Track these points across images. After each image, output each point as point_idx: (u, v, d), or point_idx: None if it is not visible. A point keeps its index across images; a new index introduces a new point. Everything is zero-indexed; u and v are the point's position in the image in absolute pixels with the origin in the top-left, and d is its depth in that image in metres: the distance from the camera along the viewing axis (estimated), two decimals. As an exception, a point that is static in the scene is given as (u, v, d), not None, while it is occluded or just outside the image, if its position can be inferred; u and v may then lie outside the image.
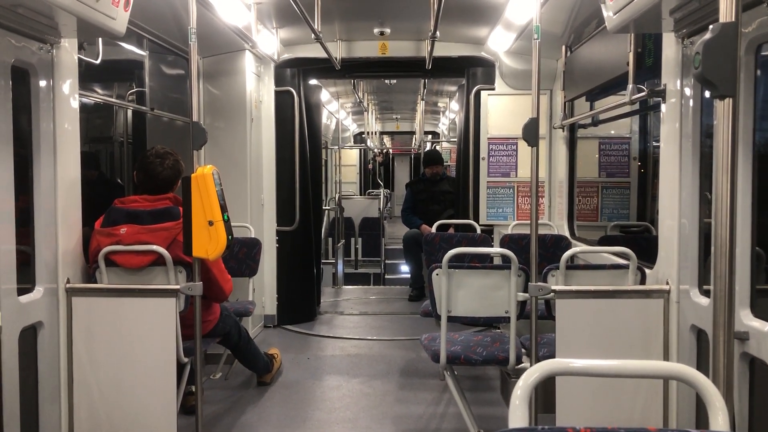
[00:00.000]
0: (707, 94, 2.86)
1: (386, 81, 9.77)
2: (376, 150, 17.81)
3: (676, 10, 2.77)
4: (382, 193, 12.91)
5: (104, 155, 5.33)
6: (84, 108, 4.26)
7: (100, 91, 4.80)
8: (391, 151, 22.95)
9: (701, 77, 1.59)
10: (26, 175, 3.13)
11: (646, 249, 3.72)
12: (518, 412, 1.23)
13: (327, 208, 10.42)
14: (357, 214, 11.99)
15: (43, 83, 3.13)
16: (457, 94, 9.11)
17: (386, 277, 11.28)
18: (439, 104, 12.76)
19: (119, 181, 5.10)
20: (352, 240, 11.78)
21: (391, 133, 19.74)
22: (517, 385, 1.29)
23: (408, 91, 11.28)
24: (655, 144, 5.20)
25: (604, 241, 5.30)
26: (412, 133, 18.80)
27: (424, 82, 9.34)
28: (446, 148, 15.07)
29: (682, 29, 2.96)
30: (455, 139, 12.08)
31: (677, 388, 3.17)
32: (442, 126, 15.73)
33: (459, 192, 7.28)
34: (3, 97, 2.84)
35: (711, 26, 1.60)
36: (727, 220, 1.61)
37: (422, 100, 11.35)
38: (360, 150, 17.10)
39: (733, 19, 1.57)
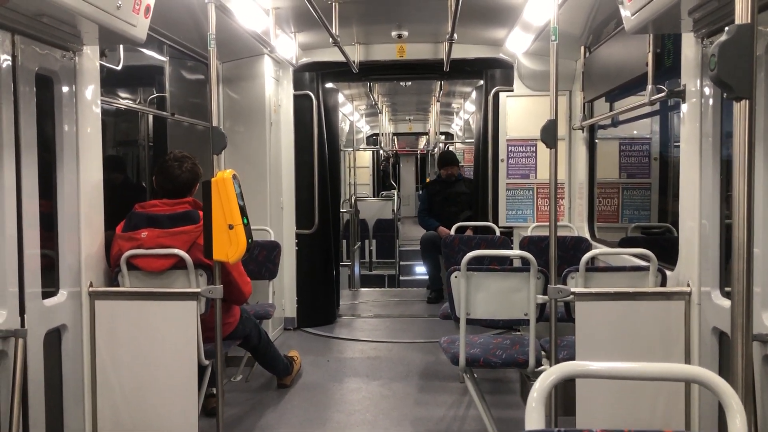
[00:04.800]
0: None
1: (401, 83, 9.79)
2: (387, 151, 17.80)
3: (695, 11, 2.75)
4: (395, 195, 12.92)
5: (127, 159, 5.40)
6: (107, 113, 4.33)
7: (122, 96, 4.87)
8: (397, 151, 22.73)
9: (717, 79, 1.58)
10: (50, 180, 3.18)
11: (667, 250, 3.69)
12: (534, 413, 1.23)
13: (342, 210, 10.46)
14: (371, 215, 12.01)
15: (66, 90, 3.19)
16: (473, 95, 9.09)
17: (401, 278, 11.29)
18: (453, 105, 12.75)
19: (144, 184, 5.17)
20: (366, 242, 11.80)
21: (404, 134, 19.71)
22: (533, 387, 1.29)
23: (422, 92, 11.29)
24: (675, 144, 5.15)
25: (625, 242, 5.26)
26: (421, 134, 18.76)
27: (440, 83, 9.33)
28: (460, 148, 15.03)
29: (702, 29, 2.93)
30: (470, 140, 12.05)
31: (699, 391, 3.14)
32: (455, 127, 15.71)
33: (475, 193, 7.27)
34: (27, 104, 2.90)
35: (727, 28, 1.59)
36: (745, 221, 1.60)
37: (438, 101, 11.33)
38: (373, 152, 17.15)
39: (749, 21, 1.55)
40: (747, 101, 1.56)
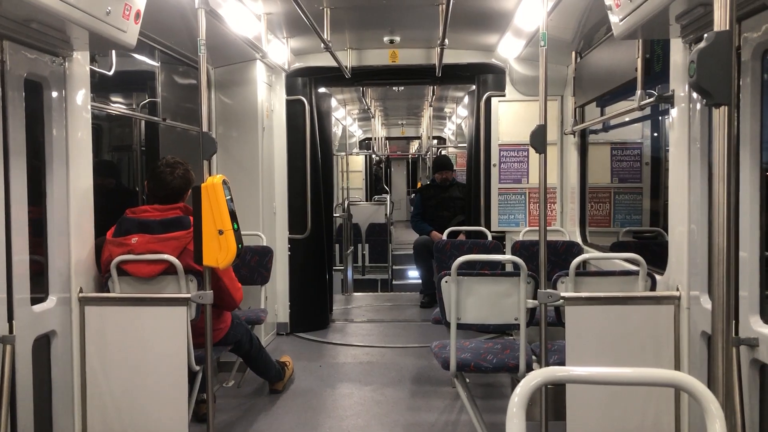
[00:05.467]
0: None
1: (394, 88, 9.81)
2: (379, 155, 17.83)
3: (682, 17, 2.77)
4: (388, 199, 12.92)
5: (118, 165, 5.40)
6: (98, 118, 4.33)
7: (114, 101, 4.87)
8: (389, 155, 22.67)
9: (696, 86, 1.59)
10: (40, 186, 3.17)
11: (658, 254, 3.70)
12: (515, 419, 1.23)
13: (335, 215, 10.47)
14: (363, 220, 12.02)
15: (55, 95, 3.18)
16: (466, 100, 9.10)
17: (394, 282, 11.30)
18: (446, 109, 12.78)
19: (137, 189, 5.16)
20: (359, 246, 11.81)
21: (396, 139, 19.73)
22: (514, 392, 1.29)
23: (414, 97, 11.31)
24: (667, 149, 5.17)
25: (616, 247, 5.27)
26: (413, 138, 18.76)
27: (433, 88, 9.34)
28: (452, 153, 15.06)
29: (689, 35, 2.95)
30: (462, 145, 12.06)
31: (689, 397, 3.14)
32: (448, 131, 15.74)
33: (469, 198, 7.28)
34: (16, 110, 2.89)
35: (705, 35, 1.60)
36: (725, 226, 1.60)
37: (430, 106, 11.35)
38: (366, 156, 17.17)
39: (728, 28, 1.56)
40: (725, 107, 1.57)
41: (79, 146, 3.35)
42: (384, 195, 14.68)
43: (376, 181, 19.19)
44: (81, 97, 3.34)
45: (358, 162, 17.05)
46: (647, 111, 4.63)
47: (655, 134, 5.66)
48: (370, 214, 12.23)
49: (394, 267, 11.61)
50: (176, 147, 5.38)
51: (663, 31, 3.04)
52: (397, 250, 12.05)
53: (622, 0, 2.87)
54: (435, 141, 16.24)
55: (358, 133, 16.29)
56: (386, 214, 12.04)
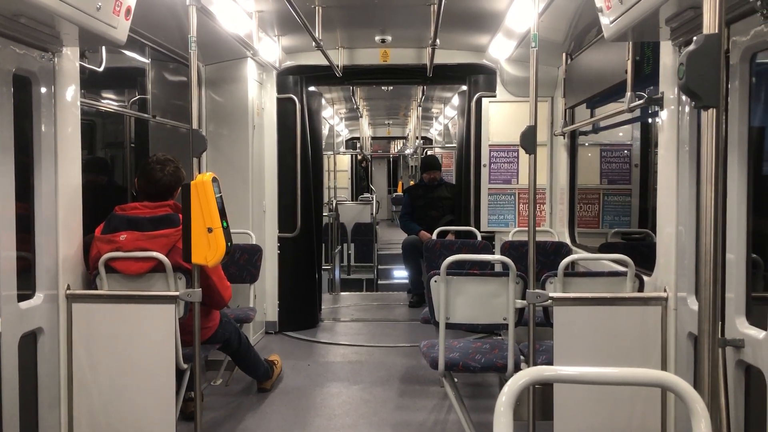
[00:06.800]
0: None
1: (383, 87, 9.80)
2: (366, 155, 17.82)
3: (672, 20, 2.79)
4: (374, 199, 12.91)
5: (108, 161, 5.36)
6: (88, 114, 4.30)
7: (104, 98, 4.84)
8: (372, 155, 22.59)
9: (685, 88, 1.60)
10: (28, 182, 3.15)
11: (646, 256, 3.72)
12: (502, 418, 1.23)
13: (324, 214, 10.48)
14: (349, 219, 12.01)
15: (44, 91, 3.16)
16: (454, 100, 9.10)
17: (379, 282, 11.31)
18: (433, 110, 12.78)
19: (126, 185, 5.14)
20: (345, 245, 11.81)
21: (381, 138, 19.72)
22: (502, 391, 1.30)
23: (403, 96, 11.29)
24: (655, 151, 5.20)
25: (605, 248, 5.29)
26: (399, 138, 18.75)
27: (423, 88, 9.37)
28: (438, 153, 15.09)
29: (679, 38, 2.97)
30: (449, 145, 12.03)
31: (675, 397, 3.16)
32: (434, 131, 15.75)
33: (457, 198, 7.30)
34: (4, 105, 2.87)
35: (695, 38, 1.62)
36: (712, 228, 1.62)
37: (419, 106, 11.38)
38: (352, 156, 17.15)
39: (717, 31, 1.58)
40: (714, 110, 1.58)
41: (68, 142, 3.32)
42: (369, 194, 14.66)
43: (360, 181, 19.19)
44: (70, 93, 3.32)
45: (344, 161, 17.03)
46: (637, 113, 4.65)
47: (644, 136, 5.69)
48: (355, 214, 12.23)
49: (379, 267, 11.62)
50: (166, 144, 5.36)
51: (653, 33, 3.05)
52: (383, 249, 12.06)
53: (612, 2, 2.89)
54: (422, 141, 16.27)
55: (344, 132, 16.29)
56: (372, 214, 12.03)
